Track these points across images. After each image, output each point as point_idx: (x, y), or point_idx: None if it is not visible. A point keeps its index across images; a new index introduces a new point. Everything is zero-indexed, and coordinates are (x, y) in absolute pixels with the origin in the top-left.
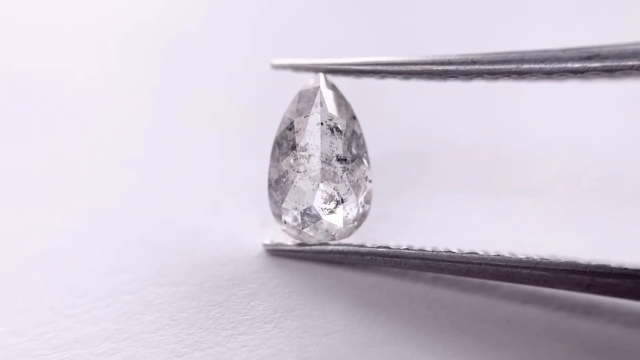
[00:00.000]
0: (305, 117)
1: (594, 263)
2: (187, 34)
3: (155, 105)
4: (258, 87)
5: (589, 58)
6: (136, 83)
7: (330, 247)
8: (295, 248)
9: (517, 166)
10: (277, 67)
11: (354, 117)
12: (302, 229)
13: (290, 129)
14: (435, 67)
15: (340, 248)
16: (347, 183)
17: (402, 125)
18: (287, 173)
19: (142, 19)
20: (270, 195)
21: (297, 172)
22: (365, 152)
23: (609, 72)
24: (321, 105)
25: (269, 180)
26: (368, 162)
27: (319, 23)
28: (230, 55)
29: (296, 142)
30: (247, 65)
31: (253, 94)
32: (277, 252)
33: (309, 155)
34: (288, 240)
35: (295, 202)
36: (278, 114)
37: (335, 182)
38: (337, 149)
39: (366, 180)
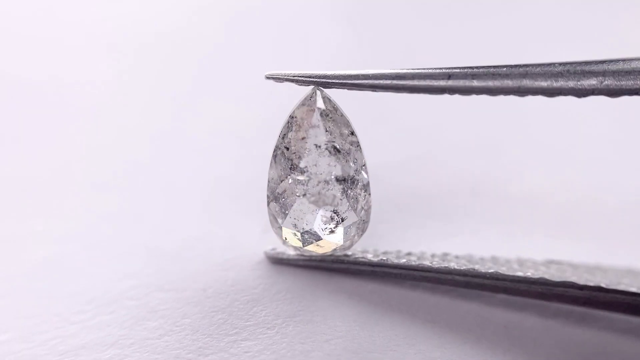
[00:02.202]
0: (302, 139)
1: (590, 284)
2: (190, 43)
3: (158, 112)
4: (260, 93)
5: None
6: (138, 91)
7: (331, 258)
8: (296, 257)
9: (515, 172)
10: (270, 78)
11: (352, 132)
12: (303, 246)
13: (288, 149)
14: (435, 83)
15: (340, 259)
16: (346, 202)
17: (399, 132)
18: (286, 194)
19: (152, 29)
20: (270, 212)
21: (297, 195)
22: (364, 164)
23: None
24: (318, 127)
25: (268, 195)
26: (367, 174)
27: (322, 34)
28: (231, 61)
29: (294, 163)
30: (248, 71)
31: (255, 100)
32: (278, 260)
33: (308, 179)
34: (289, 250)
35: (295, 225)
36: (280, 119)
37: (334, 205)
38: (335, 168)
39: (365, 192)
